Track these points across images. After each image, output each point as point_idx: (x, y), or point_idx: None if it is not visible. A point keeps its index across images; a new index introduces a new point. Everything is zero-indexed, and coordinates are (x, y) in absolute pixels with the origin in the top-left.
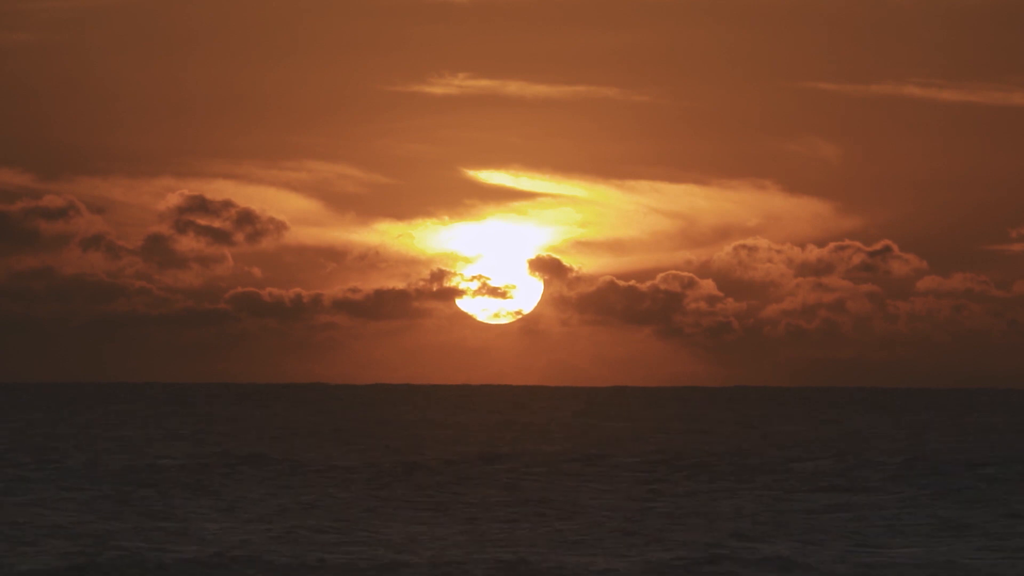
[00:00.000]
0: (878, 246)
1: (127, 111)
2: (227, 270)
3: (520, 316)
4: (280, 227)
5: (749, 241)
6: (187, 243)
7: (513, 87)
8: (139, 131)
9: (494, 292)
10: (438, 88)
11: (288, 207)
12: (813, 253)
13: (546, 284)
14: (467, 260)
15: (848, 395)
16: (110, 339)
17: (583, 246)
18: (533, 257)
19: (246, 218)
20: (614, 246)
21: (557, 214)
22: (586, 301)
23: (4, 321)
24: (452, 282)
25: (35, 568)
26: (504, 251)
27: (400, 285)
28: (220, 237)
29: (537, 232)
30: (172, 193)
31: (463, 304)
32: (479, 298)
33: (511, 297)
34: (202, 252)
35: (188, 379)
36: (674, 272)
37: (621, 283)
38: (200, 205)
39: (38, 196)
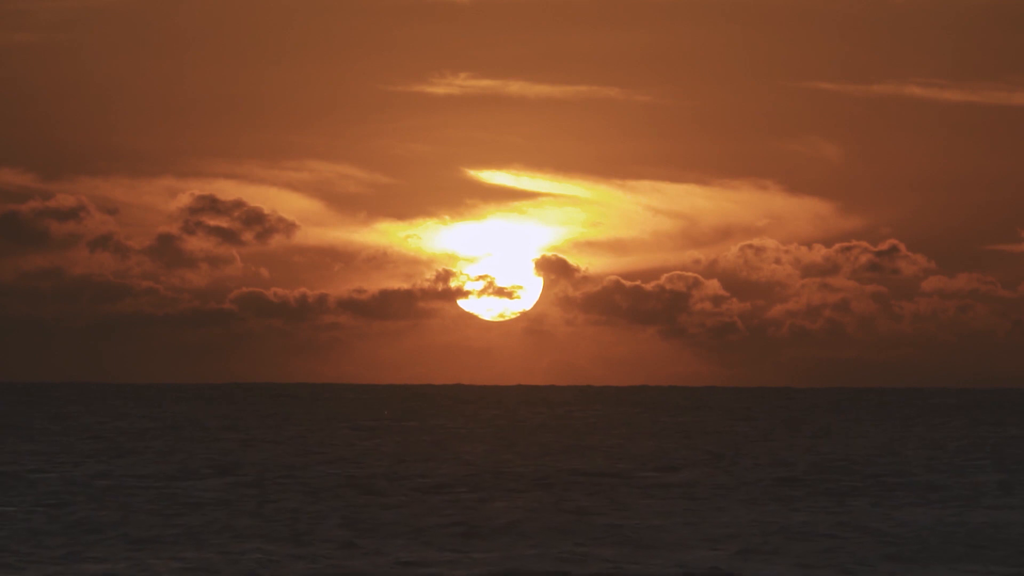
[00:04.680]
0: (884, 246)
1: (128, 111)
2: (236, 270)
3: (525, 316)
4: (290, 227)
5: (755, 241)
6: (196, 243)
7: (514, 87)
8: (140, 131)
9: (500, 292)
10: (439, 88)
11: (290, 207)
12: (820, 253)
13: (551, 284)
14: (469, 260)
15: (845, 396)
16: (114, 339)
17: (585, 246)
18: (539, 257)
19: (256, 218)
20: (615, 246)
21: (558, 214)
22: (591, 301)
23: (10, 321)
24: (456, 282)
25: None
26: (507, 251)
27: (405, 285)
28: (229, 237)
29: (539, 232)
30: (183, 193)
31: (467, 304)
32: (484, 298)
33: (518, 297)
34: (211, 252)
35: (191, 379)
36: (679, 272)
37: (627, 283)
38: (210, 205)
39: (48, 196)
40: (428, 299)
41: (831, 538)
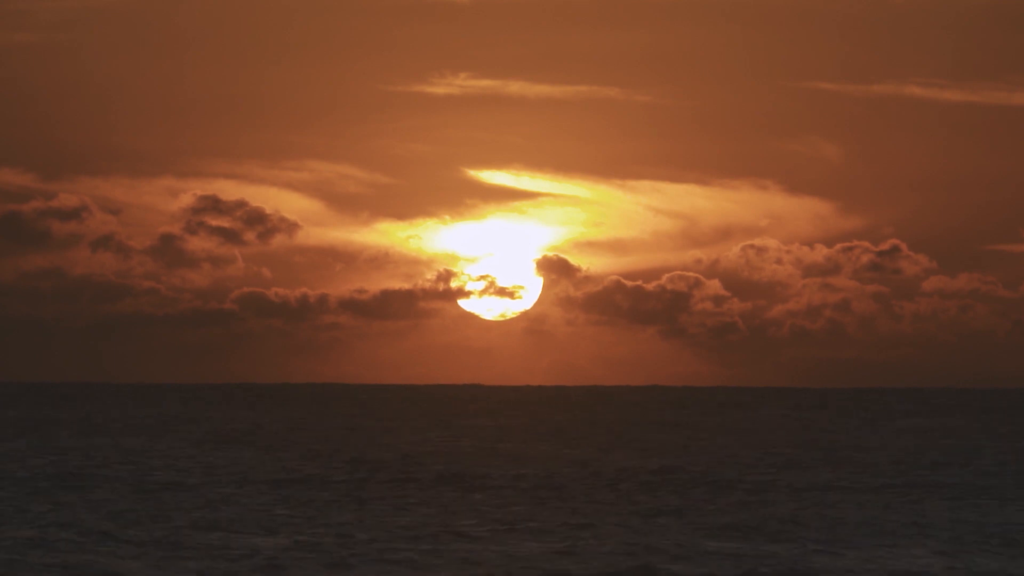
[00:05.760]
0: (886, 246)
1: (127, 111)
2: (237, 270)
3: (526, 316)
4: (292, 227)
5: (757, 241)
6: (198, 243)
7: (514, 87)
8: (140, 131)
9: (501, 292)
10: (439, 88)
11: (290, 207)
12: (821, 253)
13: (552, 284)
14: (469, 260)
15: (846, 396)
16: (115, 339)
17: (585, 246)
18: (539, 257)
19: (258, 218)
20: (615, 246)
21: (558, 214)
22: (592, 301)
23: (10, 321)
24: (457, 282)
25: None
26: (508, 251)
27: (405, 285)
28: (231, 237)
29: (539, 232)
30: (185, 193)
31: (468, 304)
32: (485, 298)
33: (519, 297)
34: (212, 252)
35: (191, 379)
36: (680, 272)
37: (627, 283)
38: (213, 205)
39: (51, 196)
40: (429, 299)
41: None
